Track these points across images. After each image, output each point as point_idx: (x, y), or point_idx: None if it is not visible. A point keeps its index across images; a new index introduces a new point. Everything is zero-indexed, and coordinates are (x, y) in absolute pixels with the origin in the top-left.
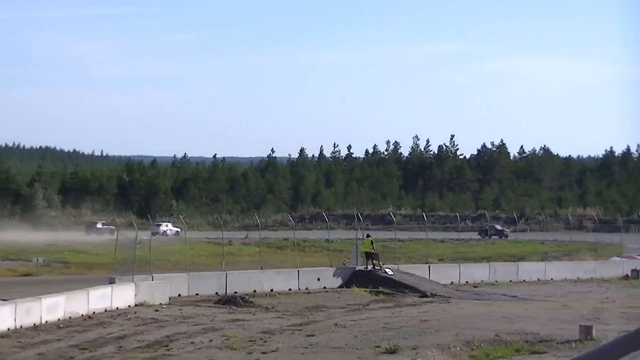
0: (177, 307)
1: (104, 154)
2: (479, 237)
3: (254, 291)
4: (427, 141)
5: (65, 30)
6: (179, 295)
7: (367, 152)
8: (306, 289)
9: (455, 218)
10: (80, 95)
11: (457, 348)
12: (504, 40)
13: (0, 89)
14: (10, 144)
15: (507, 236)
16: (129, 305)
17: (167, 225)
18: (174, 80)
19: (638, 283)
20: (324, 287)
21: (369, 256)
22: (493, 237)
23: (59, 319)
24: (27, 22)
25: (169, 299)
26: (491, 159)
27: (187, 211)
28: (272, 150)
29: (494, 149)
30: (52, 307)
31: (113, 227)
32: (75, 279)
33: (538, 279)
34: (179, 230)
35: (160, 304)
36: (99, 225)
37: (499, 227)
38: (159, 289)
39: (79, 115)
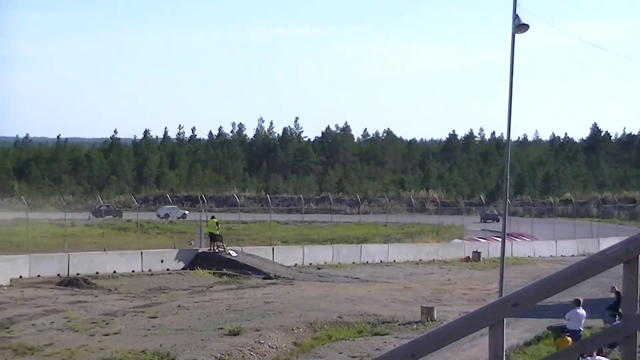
0: (18, 288)
1: None
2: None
3: (97, 273)
4: (271, 123)
5: None
6: (20, 277)
7: (211, 134)
8: (149, 270)
9: (299, 200)
10: None
11: (300, 329)
12: (351, 25)
13: None
14: None
15: None
16: None
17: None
18: (16, 59)
19: (479, 265)
20: (168, 269)
21: (213, 238)
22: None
23: None
24: None
25: (10, 280)
26: (335, 141)
27: (29, 192)
28: (115, 131)
29: (338, 131)
30: None
31: None
32: None
33: (381, 261)
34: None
35: (1, 285)
36: None
37: None
38: (0, 270)
39: None
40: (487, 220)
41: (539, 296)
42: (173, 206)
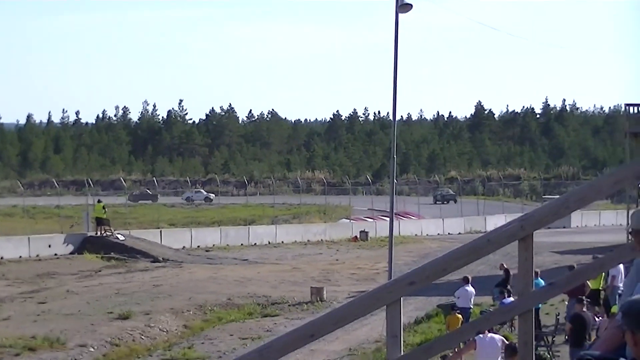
0: None
1: None
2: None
3: None
4: (154, 106)
5: None
6: None
7: (96, 117)
8: (37, 256)
9: (185, 182)
10: None
11: (190, 312)
12: (234, 6)
13: None
14: None
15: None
16: None
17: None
18: None
19: (366, 244)
20: (55, 254)
21: (100, 222)
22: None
23: None
24: None
25: None
26: (220, 123)
27: None
28: None
29: (223, 113)
30: None
31: None
32: None
33: (269, 242)
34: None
35: None
36: None
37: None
38: None
39: None
40: (443, 202)
41: (436, 274)
42: (198, 190)
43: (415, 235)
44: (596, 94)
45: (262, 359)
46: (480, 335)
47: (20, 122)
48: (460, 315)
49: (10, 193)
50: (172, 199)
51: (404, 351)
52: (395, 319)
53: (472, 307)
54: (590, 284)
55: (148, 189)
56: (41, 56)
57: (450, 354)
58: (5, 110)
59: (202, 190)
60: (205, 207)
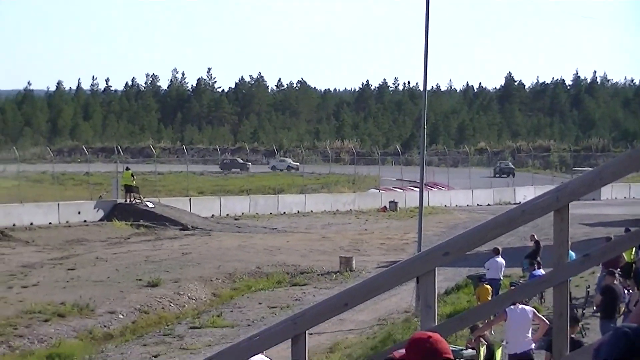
0: None
1: None
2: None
3: (14, 225)
4: (184, 74)
5: None
6: None
7: (126, 85)
8: (67, 222)
9: (215, 151)
10: None
11: (219, 280)
12: None
13: None
14: None
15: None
16: None
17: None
18: None
19: (395, 215)
20: (85, 221)
21: (129, 189)
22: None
23: None
24: None
25: None
26: (249, 92)
27: None
28: (28, 82)
29: (252, 82)
30: None
31: None
32: None
33: (298, 212)
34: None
35: None
36: None
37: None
38: None
39: None
40: (502, 175)
41: (470, 245)
42: (283, 159)
43: (445, 206)
44: (627, 66)
45: (296, 327)
46: (512, 307)
47: (50, 89)
48: (489, 286)
49: (39, 159)
50: (201, 167)
51: (437, 322)
52: (430, 290)
53: (502, 278)
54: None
55: (238, 158)
56: (72, 24)
57: (480, 325)
58: (35, 77)
59: (286, 159)
60: (234, 176)
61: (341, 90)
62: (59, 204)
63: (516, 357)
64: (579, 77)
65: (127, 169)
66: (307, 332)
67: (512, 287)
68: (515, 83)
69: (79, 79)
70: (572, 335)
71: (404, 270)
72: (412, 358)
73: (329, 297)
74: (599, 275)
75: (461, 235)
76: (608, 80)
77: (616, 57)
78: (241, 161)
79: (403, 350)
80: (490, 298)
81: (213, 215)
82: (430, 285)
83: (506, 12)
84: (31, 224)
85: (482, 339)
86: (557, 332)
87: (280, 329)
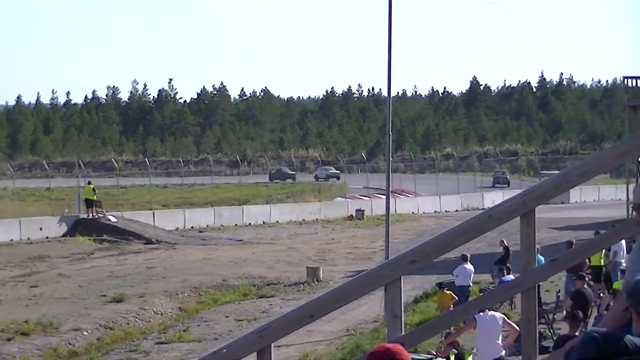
0: None
1: None
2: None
3: None
4: (145, 85)
5: None
6: None
7: (86, 97)
8: (28, 239)
9: (178, 163)
10: None
11: (185, 294)
12: None
13: None
14: None
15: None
16: None
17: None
18: None
19: (362, 223)
20: (47, 237)
21: (91, 204)
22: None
23: None
24: None
25: None
26: (212, 102)
27: None
28: None
29: (214, 92)
30: None
31: None
32: None
33: (263, 222)
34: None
35: None
36: None
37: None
38: None
39: None
40: (498, 185)
41: (437, 252)
42: (326, 167)
43: (412, 213)
44: (594, 68)
45: (261, 340)
46: (481, 314)
47: (9, 104)
48: (449, 292)
49: None
50: (164, 180)
51: (404, 331)
52: (396, 298)
53: (471, 285)
54: (591, 259)
55: (287, 168)
56: (29, 36)
57: (453, 331)
58: None
59: (330, 168)
60: (198, 188)
61: (305, 98)
62: (20, 220)
63: None
64: (544, 79)
65: (89, 183)
66: (272, 344)
67: (482, 294)
68: (481, 87)
69: (38, 93)
70: (576, 333)
71: (370, 279)
72: None
73: (294, 308)
74: (565, 279)
75: (427, 243)
76: (574, 82)
77: (582, 59)
78: (289, 171)
79: None
80: (452, 304)
81: (177, 228)
82: (397, 294)
83: (470, 14)
84: None
85: (452, 347)
86: (525, 338)
87: (245, 342)
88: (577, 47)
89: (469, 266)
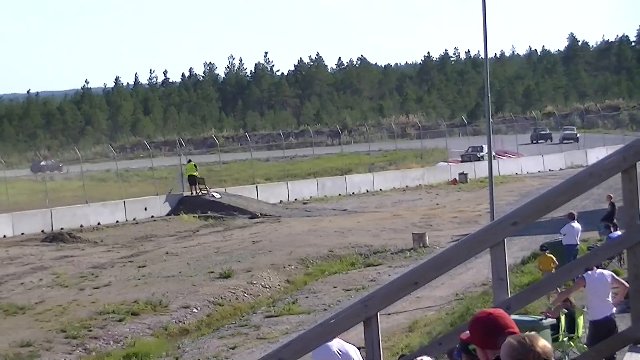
0: (3, 248)
1: None
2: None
3: (81, 226)
4: (241, 60)
5: None
6: (4, 236)
7: (183, 75)
8: (134, 219)
9: (278, 136)
10: None
11: (292, 267)
12: None
13: None
14: None
15: None
16: None
17: None
18: None
19: (466, 186)
20: (152, 216)
21: (194, 181)
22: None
23: None
24: None
25: None
26: (309, 73)
27: (4, 150)
28: (86, 81)
29: (311, 63)
30: None
31: None
32: None
33: (367, 191)
34: None
35: None
36: None
37: None
38: None
39: None
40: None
41: (538, 213)
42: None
43: (516, 174)
44: None
45: (367, 309)
46: (589, 272)
47: (107, 86)
48: (551, 255)
49: (102, 158)
50: (265, 153)
51: (511, 293)
52: (500, 261)
53: (579, 243)
54: None
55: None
56: (125, 18)
57: (559, 291)
58: (92, 75)
59: (570, 128)
60: (299, 160)
61: (402, 64)
62: (124, 202)
63: (598, 322)
64: None
65: (189, 160)
66: (378, 313)
67: (590, 251)
68: (579, 43)
69: (136, 74)
70: None
71: (472, 244)
72: (475, 338)
73: (398, 277)
74: None
75: (528, 204)
76: None
77: None
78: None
79: (468, 331)
80: (552, 267)
81: (281, 201)
82: (501, 256)
83: None
84: (98, 223)
85: (563, 307)
86: (633, 295)
87: (351, 312)
88: None
89: (576, 224)
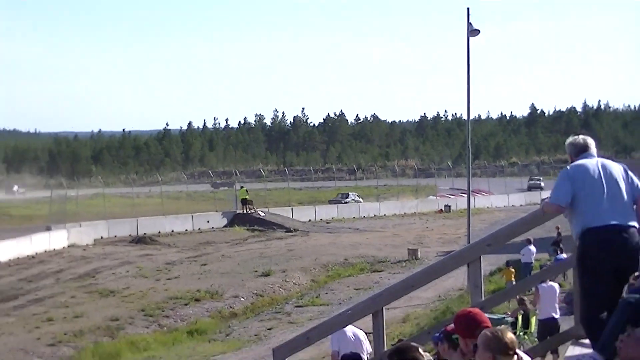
0: (100, 246)
1: (37, 131)
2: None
3: (159, 232)
4: (283, 113)
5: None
6: (102, 237)
7: (239, 122)
8: (199, 229)
9: (309, 171)
10: (16, 82)
11: (316, 270)
12: (337, 30)
13: None
14: None
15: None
16: (63, 247)
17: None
18: (86, 73)
19: (449, 215)
20: (212, 227)
21: (245, 202)
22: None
23: (9, 259)
24: None
25: (94, 240)
26: (334, 125)
27: (104, 173)
28: (167, 123)
29: (336, 117)
30: (3, 250)
31: (23, 190)
32: (19, 228)
33: (374, 215)
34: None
35: (87, 244)
36: (14, 189)
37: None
38: (86, 233)
39: (17, 101)
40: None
41: (507, 238)
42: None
43: (487, 207)
44: (626, 94)
45: (375, 304)
46: (542, 284)
47: (182, 128)
48: (512, 269)
49: (176, 182)
50: (299, 184)
51: (483, 297)
52: (477, 273)
53: (533, 262)
54: None
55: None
56: (199, 76)
57: (517, 298)
58: (172, 119)
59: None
60: (324, 190)
61: (404, 121)
62: (192, 216)
63: (545, 321)
64: (587, 105)
65: (242, 187)
66: (384, 307)
67: (542, 269)
68: (538, 111)
69: (204, 120)
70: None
71: (456, 258)
72: (458, 329)
73: (400, 280)
74: None
75: (499, 230)
76: (610, 107)
77: (616, 86)
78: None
79: (452, 325)
80: (513, 278)
81: (310, 220)
82: (477, 269)
83: (529, 52)
84: (172, 231)
85: (520, 309)
86: (576, 302)
87: (363, 306)
88: (612, 76)
89: (532, 247)
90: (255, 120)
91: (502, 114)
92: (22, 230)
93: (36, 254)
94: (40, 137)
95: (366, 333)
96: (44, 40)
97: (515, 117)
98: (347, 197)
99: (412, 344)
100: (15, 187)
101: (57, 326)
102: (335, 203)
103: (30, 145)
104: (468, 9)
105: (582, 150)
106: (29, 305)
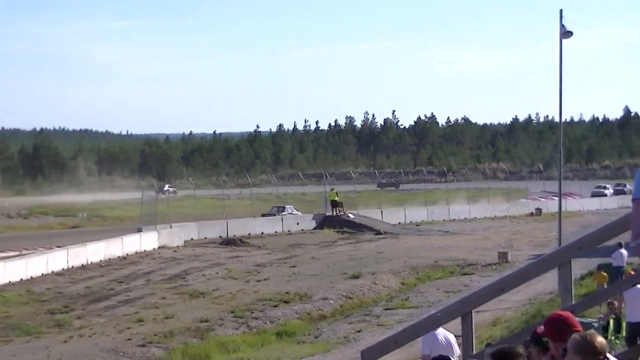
0: (190, 248)
1: (129, 133)
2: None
3: (249, 234)
4: (373, 115)
5: (96, 40)
6: (192, 239)
7: (330, 125)
8: (288, 231)
9: (399, 173)
10: (109, 88)
11: (406, 272)
12: (426, 36)
13: (53, 87)
14: (57, 127)
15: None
16: (154, 248)
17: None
18: (178, 76)
19: (540, 218)
20: (302, 229)
21: (335, 204)
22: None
23: (100, 260)
24: (67, 34)
25: (184, 242)
26: (425, 127)
27: (194, 175)
28: (257, 126)
29: (427, 119)
30: (95, 251)
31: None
32: (111, 229)
33: (464, 218)
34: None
35: (177, 246)
36: (165, 188)
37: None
38: (176, 234)
39: (110, 103)
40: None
41: (598, 241)
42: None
43: (578, 210)
44: None
45: (464, 307)
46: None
47: (272, 130)
48: (604, 273)
49: (266, 184)
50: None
51: (574, 301)
52: (567, 276)
53: (625, 265)
54: None
55: (170, 186)
56: (288, 80)
57: (615, 302)
58: (262, 121)
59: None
60: (415, 192)
61: (495, 123)
62: (282, 217)
63: (633, 324)
64: None
65: (332, 189)
66: (473, 310)
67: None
68: (632, 114)
69: (295, 122)
70: None
71: (547, 262)
72: (549, 332)
73: (489, 283)
74: None
75: (590, 234)
76: None
77: None
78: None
79: (542, 327)
80: (605, 282)
81: (399, 222)
82: (568, 272)
83: (624, 55)
84: (262, 233)
85: (612, 313)
86: None
87: (453, 308)
88: None
89: (623, 251)
90: (345, 123)
91: (594, 116)
92: (113, 231)
93: (127, 255)
94: (132, 138)
95: (456, 337)
96: (137, 45)
97: (608, 119)
98: (283, 210)
99: (519, 350)
100: (167, 187)
101: (148, 327)
102: (269, 216)
103: (122, 147)
104: (561, 10)
105: None
106: (119, 305)
